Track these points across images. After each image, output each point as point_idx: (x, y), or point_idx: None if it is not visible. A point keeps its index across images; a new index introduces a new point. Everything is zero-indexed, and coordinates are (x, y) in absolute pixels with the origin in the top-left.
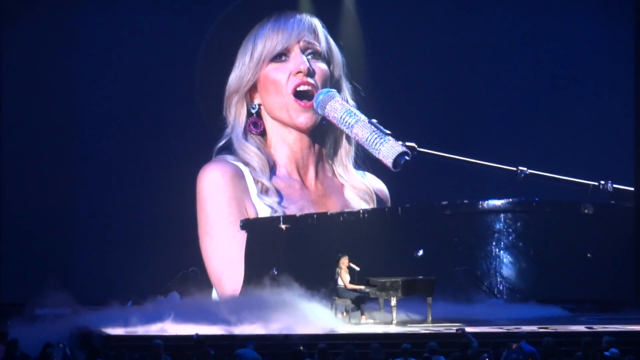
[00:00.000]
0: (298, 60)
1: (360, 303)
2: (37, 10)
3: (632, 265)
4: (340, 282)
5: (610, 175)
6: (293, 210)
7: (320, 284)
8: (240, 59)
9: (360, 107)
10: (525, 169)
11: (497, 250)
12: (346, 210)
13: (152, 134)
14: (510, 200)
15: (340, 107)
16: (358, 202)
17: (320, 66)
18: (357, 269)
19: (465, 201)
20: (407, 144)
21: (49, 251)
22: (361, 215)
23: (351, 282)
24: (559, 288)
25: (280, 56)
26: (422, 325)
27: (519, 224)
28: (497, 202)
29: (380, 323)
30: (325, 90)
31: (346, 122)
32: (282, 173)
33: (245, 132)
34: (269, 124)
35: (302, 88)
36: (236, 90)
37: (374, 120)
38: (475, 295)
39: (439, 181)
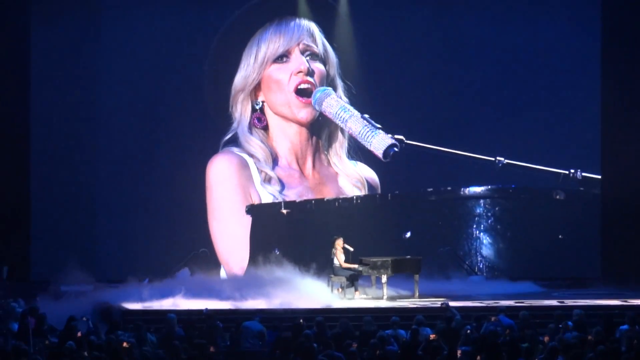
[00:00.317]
0: (298, 61)
1: (354, 280)
2: (65, 11)
3: (598, 246)
4: (335, 261)
5: (580, 164)
6: (293, 197)
7: (318, 263)
8: (245, 60)
9: (353, 103)
10: (502, 159)
11: (477, 232)
12: (341, 196)
13: (167, 128)
14: (489, 187)
15: (336, 103)
16: (351, 189)
17: (318, 66)
18: (351, 249)
19: (449, 188)
20: (396, 136)
21: (74, 233)
22: (354, 201)
23: (346, 261)
24: (533, 266)
25: (282, 57)
26: (410, 300)
27: (497, 209)
28: (477, 189)
29: (372, 298)
30: (322, 88)
31: (341, 117)
32: (283, 163)
33: (250, 127)
34: (272, 119)
35: (302, 86)
36: (242, 89)
37: (366, 116)
38: (458, 273)
39: (425, 170)
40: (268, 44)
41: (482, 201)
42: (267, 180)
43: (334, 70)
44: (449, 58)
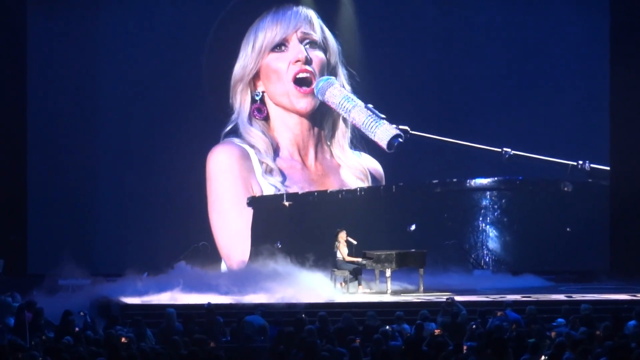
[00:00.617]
0: (296, 49)
1: (357, 274)
2: (61, 4)
3: (607, 238)
4: (338, 255)
5: (588, 155)
6: (294, 189)
7: (320, 256)
8: (243, 50)
9: (356, 91)
10: (509, 150)
11: (483, 225)
12: (344, 188)
13: (167, 119)
14: (496, 178)
15: (339, 93)
16: (354, 181)
17: (318, 54)
18: (355, 242)
19: (454, 180)
20: (401, 127)
21: (71, 226)
22: (358, 193)
23: (349, 254)
24: (540, 260)
25: (279, 46)
26: (414, 294)
27: (503, 201)
28: (484, 181)
29: (375, 292)
30: (324, 77)
31: (344, 107)
32: (284, 155)
33: (250, 118)
34: (272, 109)
35: (301, 75)
36: (240, 79)
37: (370, 105)
38: (463, 267)
39: (430, 161)
40: (265, 32)
41: (488, 193)
42: (269, 171)
43: (335, 57)
44: (456, 46)
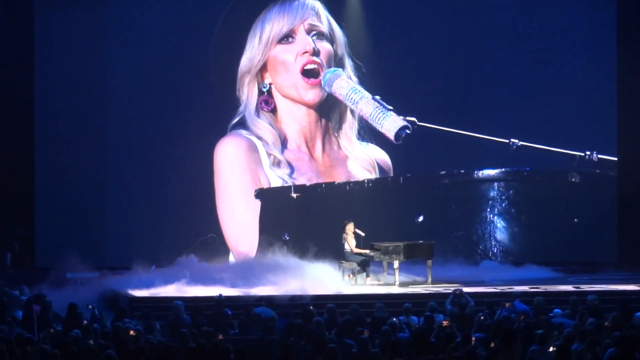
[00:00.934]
0: (304, 41)
1: (365, 266)
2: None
3: (615, 229)
4: (346, 246)
5: (595, 146)
6: (302, 181)
7: (328, 248)
8: (250, 42)
9: (363, 82)
10: (517, 140)
11: (491, 216)
12: (352, 180)
13: (174, 112)
14: (503, 169)
15: (346, 84)
16: (361, 173)
17: (325, 46)
18: (362, 234)
19: (462, 171)
20: (408, 118)
21: (79, 219)
22: (366, 185)
23: (357, 246)
24: (548, 251)
25: (286, 38)
26: (422, 286)
27: (511, 192)
28: (491, 172)
29: (383, 284)
30: (332, 69)
31: (351, 98)
32: (292, 146)
33: (257, 110)
34: (280, 101)
35: (309, 67)
36: (247, 71)
37: (377, 97)
38: (471, 258)
39: (437, 153)
40: (272, 24)
41: (496, 184)
42: (276, 163)
43: (341, 49)
44: (463, 37)
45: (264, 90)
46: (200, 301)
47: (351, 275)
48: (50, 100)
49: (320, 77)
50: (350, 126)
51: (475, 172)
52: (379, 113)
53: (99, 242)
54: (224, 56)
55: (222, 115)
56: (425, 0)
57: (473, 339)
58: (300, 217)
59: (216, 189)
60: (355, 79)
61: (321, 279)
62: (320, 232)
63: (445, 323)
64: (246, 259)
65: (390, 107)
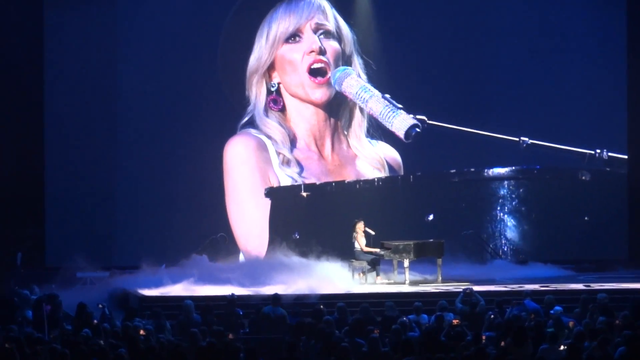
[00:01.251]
0: (310, 40)
1: (375, 265)
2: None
3: (625, 227)
4: (356, 245)
5: (606, 144)
6: (312, 180)
7: (338, 247)
8: (258, 42)
9: (372, 81)
10: (527, 139)
11: (501, 214)
12: (362, 178)
13: (183, 112)
14: (514, 168)
15: (356, 83)
16: (371, 171)
17: (332, 44)
18: (373, 233)
19: (472, 169)
20: (418, 117)
21: (89, 219)
22: (376, 183)
23: (367, 245)
24: (558, 249)
25: (293, 37)
26: (432, 284)
27: (521, 190)
28: (502, 170)
29: (394, 283)
30: (341, 68)
31: (361, 97)
32: (301, 145)
33: (266, 109)
34: (288, 100)
35: (316, 66)
36: (255, 71)
37: (387, 95)
38: (482, 256)
39: (447, 151)
40: (278, 23)
41: (506, 182)
42: (286, 162)
43: (349, 47)
44: (473, 35)
45: (273, 89)
46: (211, 300)
47: (361, 274)
48: (60, 100)
49: (328, 76)
50: (359, 125)
51: (486, 170)
52: (389, 112)
53: (109, 241)
54: (231, 56)
55: (232, 115)
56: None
57: (483, 337)
58: (310, 216)
59: (226, 188)
60: (364, 77)
61: (331, 278)
62: (330, 231)
63: (455, 322)
64: (255, 259)
65: (400, 106)
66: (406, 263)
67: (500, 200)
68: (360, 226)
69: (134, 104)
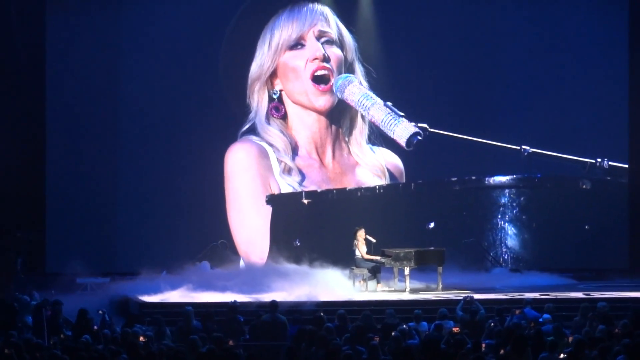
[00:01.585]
0: (314, 47)
1: (376, 272)
2: (81, 2)
3: (626, 236)
4: (357, 253)
5: (607, 153)
6: (312, 188)
7: (339, 254)
8: (260, 49)
9: (374, 88)
10: (528, 147)
11: (502, 222)
12: (363, 186)
13: (185, 118)
14: (515, 176)
15: (358, 91)
16: (371, 179)
17: (335, 51)
18: (373, 240)
19: (473, 177)
20: (420, 124)
21: (90, 225)
22: (377, 191)
23: (368, 252)
24: (558, 257)
25: (296, 44)
26: (433, 292)
27: (522, 199)
28: (503, 178)
29: (394, 291)
30: (343, 75)
31: (363, 104)
32: (302, 153)
33: (268, 117)
34: (290, 107)
35: (319, 73)
36: (257, 78)
37: (389, 103)
38: (482, 265)
39: (448, 159)
40: (281, 30)
41: (507, 191)
42: (287, 171)
43: (351, 54)
44: (474, 43)
45: (274, 97)
46: (212, 307)
47: (362, 282)
48: (62, 105)
49: (331, 83)
50: (360, 132)
51: (487, 178)
52: (391, 119)
53: (110, 247)
54: (233, 63)
55: (233, 122)
56: (436, 6)
57: (483, 345)
58: (311, 223)
59: (227, 195)
60: (365, 84)
61: (331, 285)
62: (331, 238)
63: (455, 329)
64: (255, 265)
65: (402, 114)
66: (407, 271)
67: (501, 209)
68: (361, 234)
69: (136, 110)
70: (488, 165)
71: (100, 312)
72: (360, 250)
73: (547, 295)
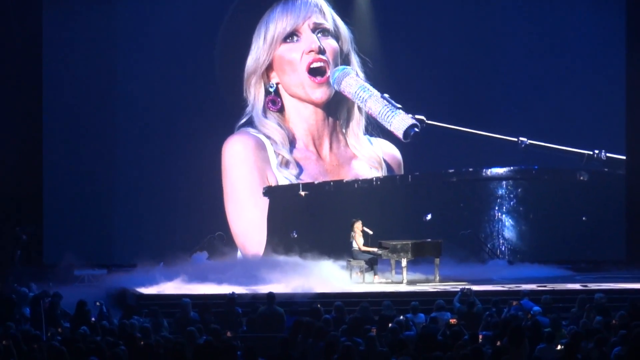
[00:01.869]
0: (309, 39)
1: (373, 264)
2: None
3: (623, 228)
4: (354, 244)
5: (604, 145)
6: (309, 180)
7: (336, 246)
8: (255, 42)
9: (370, 79)
10: (525, 139)
11: (499, 214)
12: (360, 177)
13: (182, 112)
14: (512, 168)
15: (355, 83)
16: (368, 171)
17: (330, 43)
18: (370, 232)
19: (470, 169)
20: (417, 116)
21: (88, 216)
22: (374, 183)
23: (365, 244)
24: (556, 249)
25: (291, 37)
26: (430, 284)
27: (519, 190)
28: (500, 170)
29: (391, 282)
30: (340, 67)
31: (360, 96)
32: (300, 146)
33: (265, 110)
34: (287, 100)
35: (315, 65)
36: (254, 72)
37: (386, 95)
38: (479, 256)
39: (446, 151)
40: (276, 23)
41: (504, 182)
42: (284, 164)
43: (347, 45)
44: (472, 35)
45: (271, 90)
46: (209, 299)
47: (359, 274)
48: (59, 99)
49: (327, 75)
50: (357, 123)
51: (484, 170)
52: (388, 111)
53: (107, 239)
54: (229, 57)
55: (230, 115)
56: None
57: (480, 337)
58: (308, 215)
59: (224, 187)
60: (362, 75)
61: (328, 277)
62: (328, 230)
63: (452, 321)
64: (252, 257)
65: (399, 105)
66: (404, 262)
67: (498, 200)
68: (358, 225)
69: (133, 104)
70: (485, 157)
71: (97, 303)
72: (357, 242)
73: (545, 286)
